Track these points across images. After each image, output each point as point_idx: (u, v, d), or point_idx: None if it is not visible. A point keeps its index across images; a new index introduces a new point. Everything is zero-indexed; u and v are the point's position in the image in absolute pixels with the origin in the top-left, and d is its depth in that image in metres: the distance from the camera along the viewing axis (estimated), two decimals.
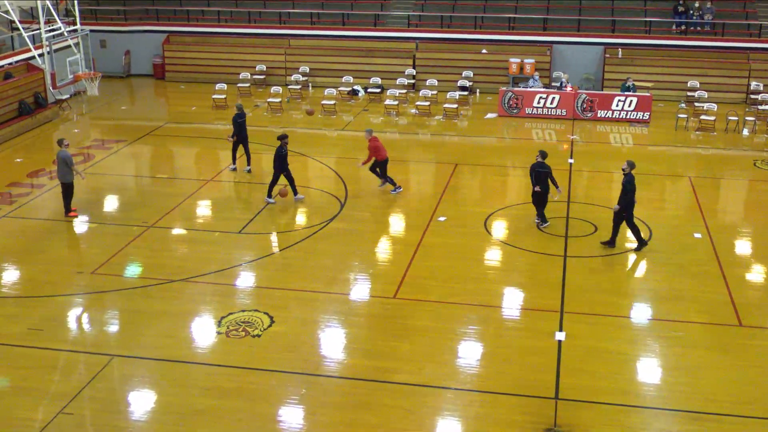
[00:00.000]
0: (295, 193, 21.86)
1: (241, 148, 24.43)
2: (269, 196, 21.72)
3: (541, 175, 19.73)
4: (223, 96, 33.03)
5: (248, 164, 24.50)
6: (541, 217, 20.25)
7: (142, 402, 13.21)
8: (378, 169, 22.57)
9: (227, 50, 37.95)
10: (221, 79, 35.28)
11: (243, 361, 14.28)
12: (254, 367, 14.12)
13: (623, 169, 18.74)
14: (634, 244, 19.13)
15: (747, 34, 35.09)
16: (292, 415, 12.90)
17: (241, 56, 37.55)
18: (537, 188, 19.73)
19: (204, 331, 15.39)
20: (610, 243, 19.00)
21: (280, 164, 21.43)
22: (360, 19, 37.91)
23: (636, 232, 18.90)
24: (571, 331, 15.22)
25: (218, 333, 15.22)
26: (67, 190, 20.79)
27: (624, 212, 18.72)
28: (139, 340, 15.01)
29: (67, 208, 20.87)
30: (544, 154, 20.09)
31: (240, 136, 24.16)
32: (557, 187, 20.02)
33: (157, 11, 39.41)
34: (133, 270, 18.05)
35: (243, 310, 16.04)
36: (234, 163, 24.64)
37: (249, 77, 36.20)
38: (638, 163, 25.59)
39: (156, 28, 38.96)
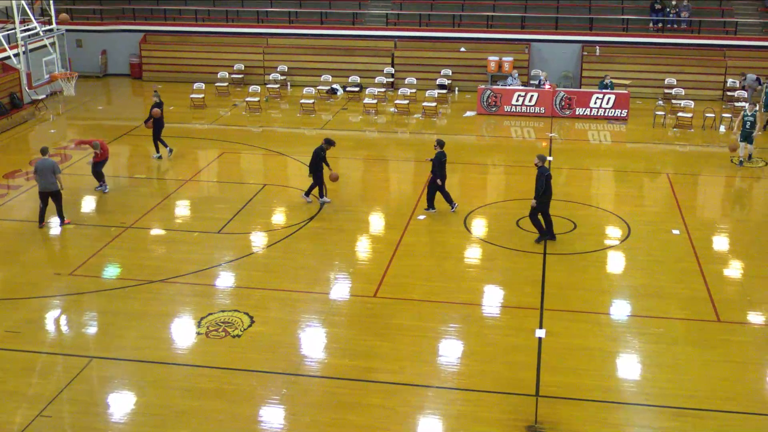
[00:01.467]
0: (321, 195, 21.70)
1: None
2: (321, 196, 21.58)
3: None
4: (201, 96, 32.88)
5: (157, 152, 25.52)
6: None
7: (121, 404, 13.09)
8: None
9: (205, 49, 37.84)
10: (199, 78, 35.20)
11: (223, 362, 14.19)
12: (235, 367, 14.04)
13: (535, 164, 18.76)
14: (614, 242, 19.22)
15: (723, 31, 35.43)
16: (273, 415, 12.84)
17: (219, 55, 37.46)
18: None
19: (183, 332, 15.28)
20: (549, 236, 18.99)
21: (317, 165, 21.18)
22: (338, 18, 37.89)
23: (548, 224, 18.94)
24: (552, 329, 15.24)
25: (198, 334, 15.13)
26: (57, 199, 20.04)
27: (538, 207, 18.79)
28: (118, 342, 14.89)
29: (62, 218, 20.27)
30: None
31: (158, 123, 25.16)
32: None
33: (134, 10, 39.23)
34: (111, 271, 17.91)
35: (223, 311, 15.95)
36: (158, 151, 25.54)
37: (227, 76, 36.11)
38: (617, 161, 26.26)
39: (133, 27, 38.82)
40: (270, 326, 15.42)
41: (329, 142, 21.35)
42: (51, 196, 19.99)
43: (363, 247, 19.47)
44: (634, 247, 19.09)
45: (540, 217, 18.93)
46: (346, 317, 15.93)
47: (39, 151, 20.81)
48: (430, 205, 21.00)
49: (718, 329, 15.34)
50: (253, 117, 31.30)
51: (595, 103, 30.84)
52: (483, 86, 32.14)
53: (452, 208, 20.96)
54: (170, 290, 16.92)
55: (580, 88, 34.13)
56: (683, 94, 32.36)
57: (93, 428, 12.52)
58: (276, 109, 32.69)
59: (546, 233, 18.96)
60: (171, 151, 25.76)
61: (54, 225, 20.45)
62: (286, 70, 36.54)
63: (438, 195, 20.89)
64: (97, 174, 22.59)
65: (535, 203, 18.66)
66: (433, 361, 14.34)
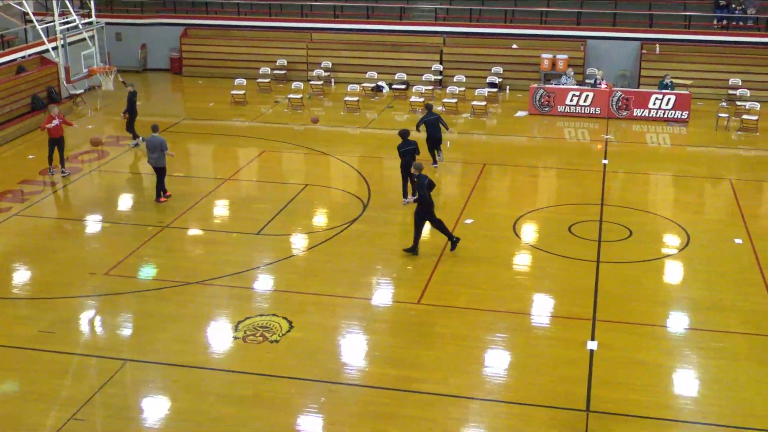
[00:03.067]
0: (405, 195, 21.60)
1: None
2: (405, 196, 21.53)
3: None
4: (242, 92, 32.80)
5: (134, 139, 26.15)
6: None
7: (155, 409, 13.03)
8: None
9: (247, 44, 37.72)
10: (240, 74, 35.06)
11: (260, 368, 14.05)
12: (272, 373, 13.92)
13: (412, 173, 18.32)
14: (672, 250, 18.83)
15: None
16: (311, 424, 12.70)
17: (261, 50, 37.30)
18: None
19: (220, 336, 15.18)
20: (412, 249, 18.39)
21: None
22: (385, 12, 37.62)
23: (417, 236, 18.39)
24: (604, 341, 14.91)
25: (235, 338, 15.01)
26: (161, 175, 21.46)
27: (426, 214, 18.22)
28: (153, 345, 14.82)
29: (159, 194, 21.55)
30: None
31: (133, 113, 25.77)
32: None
33: (175, 3, 39.28)
34: (147, 272, 17.88)
35: (261, 315, 15.82)
36: (135, 138, 26.05)
37: (269, 72, 35.91)
38: (676, 165, 25.80)
39: (173, 20, 38.77)
40: (309, 332, 15.28)
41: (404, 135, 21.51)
42: (157, 171, 21.42)
43: (407, 252, 19.00)
44: (693, 256, 18.64)
45: (432, 226, 18.47)
46: (387, 324, 15.79)
47: (150, 128, 21.95)
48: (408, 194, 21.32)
49: None
50: (296, 114, 31.08)
51: (654, 104, 30.18)
52: (535, 85, 31.66)
53: (406, 199, 21.26)
54: (207, 292, 16.83)
55: (639, 88, 33.45)
56: (748, 95, 31.56)
57: None
58: (319, 107, 32.48)
59: (453, 239, 18.52)
60: (137, 145, 26.11)
61: (91, 222, 20.51)
62: (330, 66, 36.29)
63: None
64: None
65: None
66: (477, 372, 14.11)
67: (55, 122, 23.20)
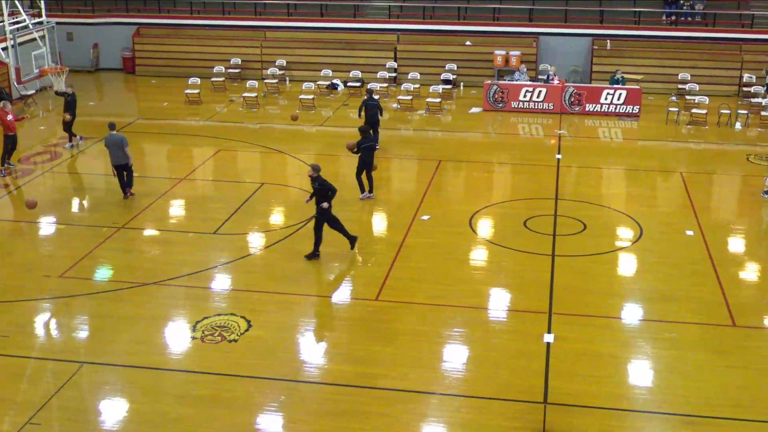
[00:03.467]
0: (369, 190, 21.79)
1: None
2: (362, 191, 21.76)
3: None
4: (197, 91, 32.54)
5: (70, 141, 25.96)
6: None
7: (113, 411, 12.89)
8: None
9: (200, 43, 37.48)
10: (194, 73, 34.73)
11: (219, 367, 13.97)
12: (231, 373, 13.84)
13: (310, 175, 18.03)
14: (625, 243, 19.10)
15: (739, 24, 35.08)
16: (271, 423, 12.67)
17: (215, 49, 37.07)
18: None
19: (178, 337, 15.07)
20: (313, 255, 18.16)
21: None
22: (339, 10, 37.60)
23: (318, 241, 18.20)
24: (560, 333, 15.03)
25: (193, 338, 14.91)
26: (128, 171, 21.46)
27: (323, 217, 18.06)
28: (110, 347, 14.65)
29: (126, 189, 21.60)
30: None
31: (73, 114, 25.65)
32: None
33: (127, 2, 38.87)
34: (103, 273, 17.69)
35: (219, 314, 15.72)
36: (71, 140, 25.96)
37: (223, 71, 35.78)
38: (628, 159, 26.10)
39: (125, 20, 38.40)
40: (268, 330, 15.22)
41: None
42: (122, 168, 21.35)
43: (364, 249, 19.09)
44: (646, 248, 18.87)
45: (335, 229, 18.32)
46: (346, 321, 15.81)
47: (108, 126, 21.86)
48: (366, 189, 21.64)
49: (734, 334, 15.16)
50: (251, 113, 30.96)
51: (606, 98, 30.53)
52: (489, 81, 31.87)
53: (363, 194, 21.55)
54: (164, 293, 16.70)
55: (591, 83, 33.86)
56: (697, 89, 32.05)
57: None
58: (274, 105, 32.37)
59: (351, 238, 18.49)
60: (73, 146, 26.03)
61: (45, 224, 20.27)
62: (285, 64, 36.17)
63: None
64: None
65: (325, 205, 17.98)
66: (436, 367, 14.17)
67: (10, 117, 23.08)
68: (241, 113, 31.01)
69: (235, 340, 14.75)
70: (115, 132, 21.51)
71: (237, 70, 36.22)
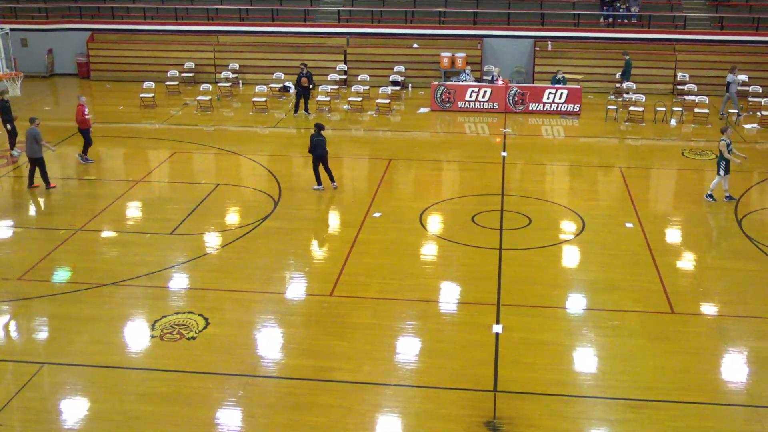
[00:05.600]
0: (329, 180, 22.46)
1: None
2: (318, 183, 22.31)
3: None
4: (151, 95, 32.46)
5: (12, 148, 25.90)
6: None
7: (74, 410, 12.85)
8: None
9: (154, 48, 37.40)
10: (149, 77, 34.73)
11: (178, 365, 14.00)
12: (190, 370, 13.86)
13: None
14: (569, 236, 19.41)
15: (672, 25, 35.86)
16: (230, 417, 12.68)
17: (169, 54, 37.04)
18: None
19: (137, 336, 15.06)
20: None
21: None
22: (289, 15, 37.74)
23: None
24: (508, 324, 15.24)
25: (152, 337, 14.92)
26: (40, 165, 22.17)
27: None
28: (70, 347, 14.62)
29: (47, 182, 22.35)
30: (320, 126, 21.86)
31: (5, 119, 25.62)
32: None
33: (81, 8, 38.62)
34: (61, 275, 17.60)
35: (177, 313, 15.74)
36: (12, 148, 25.86)
37: (177, 75, 35.71)
38: (570, 155, 26.56)
39: (79, 25, 38.17)
40: (225, 327, 15.26)
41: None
42: (35, 162, 22.12)
43: (318, 246, 19.40)
44: (588, 241, 19.23)
45: None
46: (302, 317, 15.83)
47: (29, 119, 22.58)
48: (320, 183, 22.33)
49: (672, 321, 15.49)
50: (205, 116, 30.97)
51: (548, 98, 31.04)
52: (436, 82, 32.20)
53: (318, 186, 22.21)
54: (122, 293, 16.66)
55: (533, 83, 34.35)
56: (634, 88, 32.65)
57: None
58: (228, 108, 32.38)
59: None
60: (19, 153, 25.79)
61: (2, 227, 20.15)
62: (238, 68, 36.26)
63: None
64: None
65: None
66: (390, 359, 14.28)
67: None
68: (195, 116, 30.99)
69: (194, 338, 14.77)
70: (33, 126, 22.27)
71: (191, 74, 36.24)
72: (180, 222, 20.31)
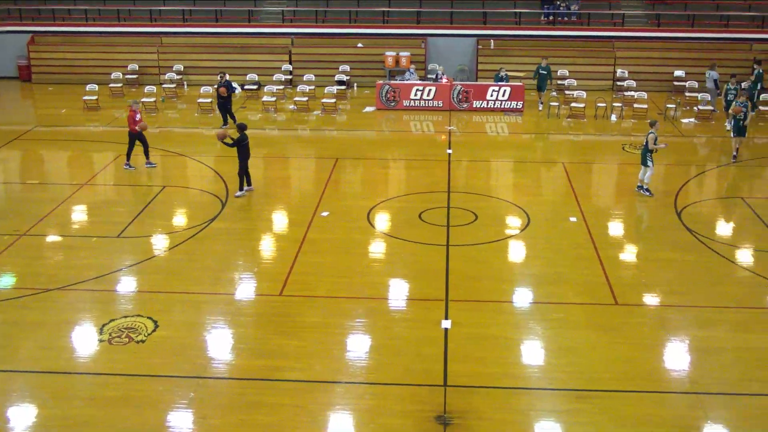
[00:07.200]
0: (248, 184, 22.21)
1: None
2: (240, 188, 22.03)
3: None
4: (95, 97, 32.09)
5: None
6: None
7: (22, 418, 12.68)
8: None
9: (97, 50, 36.94)
10: (92, 79, 34.21)
11: (128, 368, 13.90)
12: (140, 373, 13.78)
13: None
14: (514, 231, 19.66)
15: (611, 23, 36.53)
16: (181, 419, 12.64)
17: (112, 56, 36.63)
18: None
19: (85, 340, 14.90)
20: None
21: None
22: (233, 15, 37.58)
23: None
24: (457, 319, 15.39)
25: (100, 341, 14.78)
26: None
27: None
28: (17, 353, 14.44)
29: None
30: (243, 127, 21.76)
31: None
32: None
33: (20, 11, 37.98)
34: (6, 281, 17.33)
35: (125, 316, 15.62)
36: None
37: (121, 77, 35.31)
38: (514, 151, 26.89)
39: (19, 28, 37.55)
40: (175, 330, 15.19)
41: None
42: None
43: (267, 246, 19.39)
44: (533, 235, 19.48)
45: None
46: (252, 317, 15.81)
47: None
48: (241, 186, 22.07)
49: (616, 312, 15.76)
50: (150, 118, 30.67)
51: (492, 95, 31.37)
52: (381, 81, 32.37)
53: (241, 191, 21.94)
54: (69, 298, 16.49)
55: (477, 81, 34.65)
56: (575, 84, 33.18)
57: None
58: (173, 109, 32.15)
59: None
60: None
61: None
62: (182, 69, 35.99)
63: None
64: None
65: None
66: (340, 357, 14.35)
67: None
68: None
69: (143, 341, 14.67)
70: None
71: (134, 76, 35.87)
72: (127, 225, 20.14)
